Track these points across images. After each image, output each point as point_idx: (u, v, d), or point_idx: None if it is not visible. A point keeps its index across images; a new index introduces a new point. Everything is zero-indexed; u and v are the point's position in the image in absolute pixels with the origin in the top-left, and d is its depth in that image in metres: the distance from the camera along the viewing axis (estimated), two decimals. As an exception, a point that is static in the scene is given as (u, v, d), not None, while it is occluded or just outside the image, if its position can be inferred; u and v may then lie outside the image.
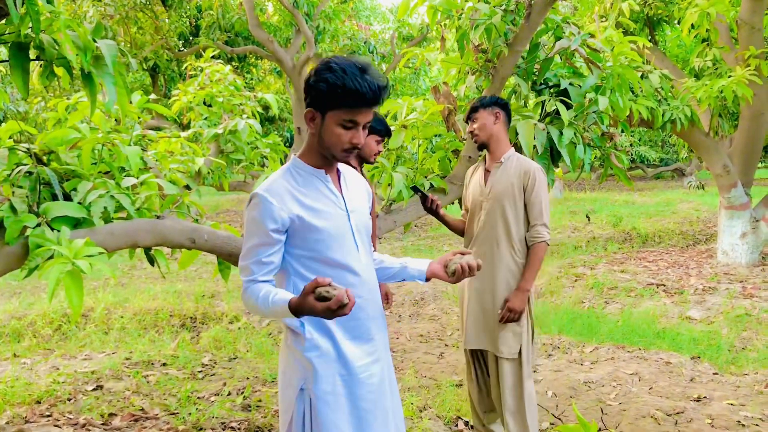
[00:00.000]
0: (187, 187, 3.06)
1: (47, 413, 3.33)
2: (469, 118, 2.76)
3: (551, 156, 3.42)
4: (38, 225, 2.08)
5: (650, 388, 3.63)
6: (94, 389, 3.72)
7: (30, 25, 1.80)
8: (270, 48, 9.00)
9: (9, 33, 1.90)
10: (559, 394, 3.56)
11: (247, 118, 4.32)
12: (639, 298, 5.93)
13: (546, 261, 7.29)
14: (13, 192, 2.14)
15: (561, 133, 3.31)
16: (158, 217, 2.50)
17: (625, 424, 3.14)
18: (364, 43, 12.65)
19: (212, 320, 5.46)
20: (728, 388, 3.62)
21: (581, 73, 3.76)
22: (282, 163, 3.34)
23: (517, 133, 3.23)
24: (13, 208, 2.06)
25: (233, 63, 11.55)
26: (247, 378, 3.96)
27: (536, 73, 3.61)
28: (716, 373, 3.91)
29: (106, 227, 2.26)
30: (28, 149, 2.30)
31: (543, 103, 3.51)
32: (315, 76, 1.54)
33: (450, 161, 3.66)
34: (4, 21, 1.89)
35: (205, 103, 4.48)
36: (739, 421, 3.12)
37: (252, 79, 13.38)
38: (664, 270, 7.06)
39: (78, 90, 8.52)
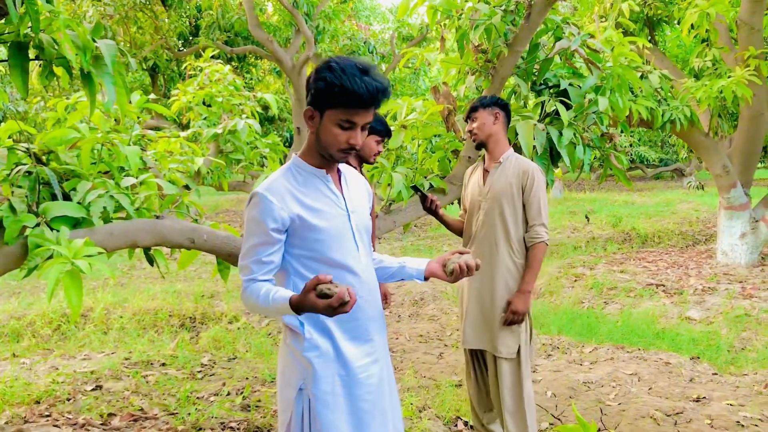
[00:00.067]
0: (187, 187, 3.06)
1: (46, 413, 3.33)
2: (469, 117, 2.77)
3: (551, 156, 3.42)
4: (37, 225, 2.08)
5: (649, 389, 3.63)
6: (93, 389, 3.72)
7: (29, 24, 1.80)
8: (269, 48, 8.99)
9: (8, 32, 1.90)
10: (559, 395, 3.56)
11: (247, 118, 4.32)
12: (638, 299, 5.93)
13: (545, 261, 7.29)
14: (13, 192, 2.14)
15: (560, 134, 3.31)
16: (157, 217, 2.50)
17: (625, 425, 3.14)
18: (364, 43, 12.64)
19: (211, 320, 5.46)
20: (727, 389, 3.62)
21: (581, 74, 3.76)
22: (281, 163, 3.34)
23: (516, 134, 3.23)
24: (12, 208, 2.06)
25: (233, 63, 11.55)
26: (247, 378, 3.96)
27: (536, 74, 3.61)
28: (715, 374, 3.92)
29: (105, 227, 2.25)
30: (27, 149, 2.30)
31: (543, 103, 3.51)
32: (315, 75, 1.55)
33: (449, 161, 3.66)
34: (3, 20, 1.89)
35: (204, 103, 4.47)
36: (738, 422, 3.12)
37: (251, 79, 13.37)
38: (663, 270, 7.06)
39: (77, 90, 8.52)
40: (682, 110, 6.56)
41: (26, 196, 2.14)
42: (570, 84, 3.56)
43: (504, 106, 2.73)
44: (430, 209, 2.78)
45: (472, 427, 3.13)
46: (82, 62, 1.96)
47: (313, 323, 1.64)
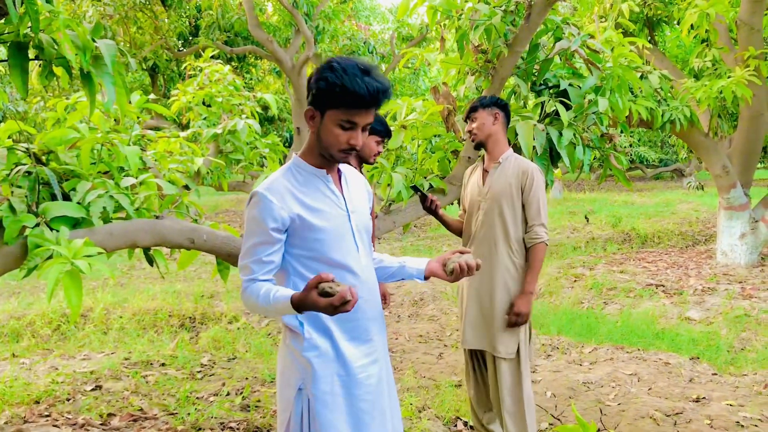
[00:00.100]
0: (186, 187, 3.06)
1: (46, 413, 3.33)
2: (468, 117, 2.77)
3: (551, 157, 3.42)
4: (37, 225, 2.08)
5: (649, 389, 3.63)
6: (92, 389, 3.72)
7: (29, 24, 1.80)
8: (269, 48, 8.99)
9: (8, 32, 1.90)
10: (558, 395, 3.56)
11: (246, 118, 4.31)
12: (638, 299, 5.94)
13: (545, 261, 7.28)
14: (12, 192, 2.14)
15: (560, 134, 3.31)
16: (157, 217, 2.50)
17: (624, 425, 3.14)
18: (364, 43, 12.64)
19: (211, 320, 5.46)
20: (727, 389, 3.62)
21: (581, 74, 3.76)
22: (281, 164, 3.33)
23: (516, 134, 3.23)
24: (12, 208, 2.06)
25: (232, 63, 11.54)
26: (246, 378, 3.96)
27: (536, 74, 3.61)
28: (715, 374, 3.92)
29: (105, 227, 2.25)
30: (27, 149, 2.30)
31: (542, 103, 3.51)
32: (316, 75, 1.55)
33: (449, 162, 3.66)
34: (3, 20, 1.89)
35: (204, 103, 4.47)
36: (737, 422, 3.12)
37: (251, 79, 13.37)
38: (663, 270, 7.07)
39: (77, 90, 8.51)
40: (681, 110, 6.56)
41: (26, 196, 2.14)
42: (570, 84, 3.56)
43: (503, 107, 2.73)
44: (430, 209, 2.78)
45: (471, 427, 3.13)
46: (81, 62, 1.96)
47: (313, 323, 1.64)
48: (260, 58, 12.22)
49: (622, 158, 3.73)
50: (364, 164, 2.84)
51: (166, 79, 12.33)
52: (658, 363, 4.09)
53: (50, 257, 1.96)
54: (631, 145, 19.37)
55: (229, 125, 4.09)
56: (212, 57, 6.08)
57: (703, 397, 3.47)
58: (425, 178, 3.48)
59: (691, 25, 6.45)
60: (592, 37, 3.71)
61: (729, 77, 6.19)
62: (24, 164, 2.23)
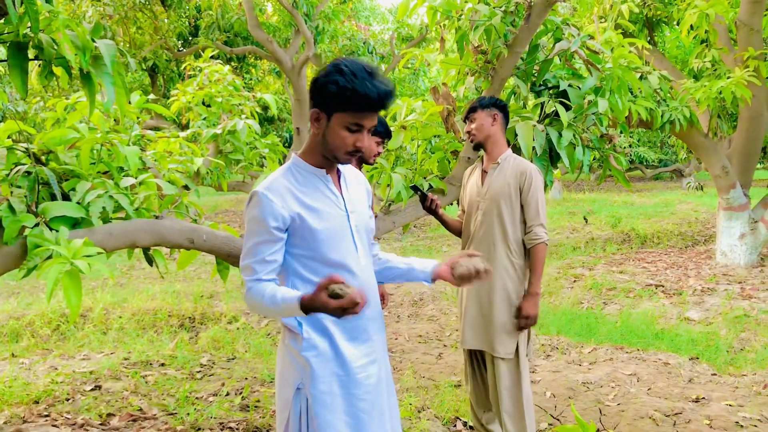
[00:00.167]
0: (186, 188, 3.05)
1: (45, 413, 3.33)
2: (467, 118, 2.77)
3: (550, 157, 3.42)
4: (37, 225, 2.07)
5: (649, 389, 3.63)
6: (92, 389, 3.72)
7: (29, 24, 1.80)
8: (269, 48, 8.99)
9: (8, 32, 1.90)
10: (558, 395, 3.56)
11: (246, 118, 4.31)
12: (638, 299, 5.94)
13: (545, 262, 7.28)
14: (12, 192, 2.14)
15: (560, 135, 3.31)
16: (157, 218, 2.50)
17: (624, 425, 3.14)
18: (364, 43, 12.63)
19: (211, 320, 5.46)
20: (727, 389, 3.62)
21: (580, 75, 3.76)
22: (281, 164, 3.33)
23: (516, 135, 3.23)
24: (11, 208, 2.05)
25: (232, 63, 11.54)
26: (246, 378, 3.96)
27: (535, 75, 3.61)
28: (715, 374, 3.92)
29: (104, 227, 2.25)
30: (26, 149, 2.30)
31: (542, 104, 3.51)
32: (325, 78, 1.53)
33: (449, 162, 3.66)
34: (2, 20, 1.89)
35: (203, 104, 4.47)
36: (737, 422, 3.12)
37: (251, 79, 13.37)
38: (662, 271, 7.07)
39: (77, 90, 8.51)
40: (681, 111, 6.57)
41: (25, 196, 2.14)
42: (569, 85, 3.56)
43: (502, 107, 2.74)
44: (430, 209, 2.78)
45: (471, 427, 3.13)
46: (81, 62, 1.96)
47: (312, 323, 1.64)
48: (260, 59, 12.21)
49: (622, 159, 3.73)
50: (364, 164, 2.84)
51: (166, 79, 12.33)
52: (658, 363, 4.09)
53: (50, 257, 1.96)
54: (630, 146, 19.37)
55: (229, 125, 4.09)
56: (212, 57, 6.07)
57: (703, 398, 3.47)
58: (425, 178, 3.48)
59: (691, 26, 6.46)
60: (591, 37, 3.71)
61: (728, 78, 6.20)
62: (23, 164, 2.23)
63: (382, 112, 1.63)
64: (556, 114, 3.39)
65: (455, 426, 3.23)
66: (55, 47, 1.92)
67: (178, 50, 11.49)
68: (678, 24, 7.81)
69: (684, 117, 6.56)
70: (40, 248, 1.97)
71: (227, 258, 2.69)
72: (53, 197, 2.21)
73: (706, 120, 7.31)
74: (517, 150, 3.14)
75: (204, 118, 4.45)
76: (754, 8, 6.33)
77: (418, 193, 2.75)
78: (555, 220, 11.67)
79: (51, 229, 2.08)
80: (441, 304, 6.04)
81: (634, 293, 6.11)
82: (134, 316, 5.37)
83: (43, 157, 2.35)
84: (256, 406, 3.44)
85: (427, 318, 5.64)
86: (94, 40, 2.03)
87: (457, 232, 2.94)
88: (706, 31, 6.63)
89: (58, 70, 2.05)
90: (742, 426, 3.09)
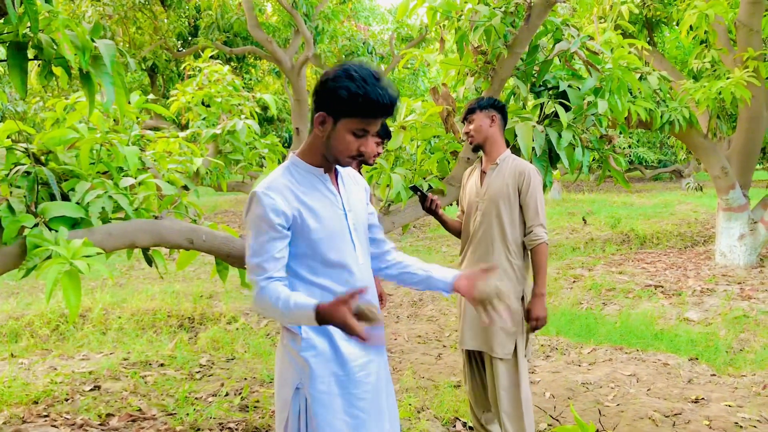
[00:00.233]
0: (185, 188, 3.05)
1: (44, 413, 3.33)
2: (465, 119, 2.77)
3: (550, 158, 3.42)
4: (36, 225, 2.07)
5: (648, 390, 3.63)
6: (91, 389, 3.72)
7: (28, 24, 1.80)
8: (269, 48, 8.98)
9: (7, 32, 1.90)
10: (557, 396, 3.57)
11: (246, 118, 4.31)
12: (637, 300, 5.94)
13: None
14: (11, 192, 2.14)
15: (559, 136, 3.31)
16: (156, 218, 2.50)
17: (623, 426, 3.14)
18: (363, 43, 12.63)
19: (210, 321, 5.46)
20: (726, 390, 3.62)
21: (580, 76, 3.76)
22: (280, 164, 3.33)
23: (515, 135, 3.23)
24: (10, 208, 2.05)
25: (232, 63, 11.54)
26: (245, 378, 3.96)
27: (535, 75, 3.61)
28: (714, 375, 3.92)
29: (104, 227, 2.25)
30: (26, 149, 2.30)
31: (542, 105, 3.51)
32: (334, 83, 1.51)
33: (448, 162, 3.66)
34: (2, 20, 1.89)
35: (203, 104, 4.47)
36: (736, 423, 3.12)
37: (251, 79, 13.37)
38: (662, 271, 7.07)
39: (76, 90, 8.51)
40: (680, 111, 6.57)
41: (25, 196, 2.14)
42: (569, 86, 3.56)
43: (501, 108, 2.74)
44: (430, 209, 2.78)
45: (470, 427, 3.13)
46: (81, 62, 1.96)
47: (311, 323, 1.64)
48: (259, 59, 12.21)
49: (621, 159, 3.73)
50: (363, 165, 2.84)
51: (166, 79, 12.33)
52: (657, 364, 4.09)
53: (49, 257, 1.96)
54: (630, 146, 19.37)
55: (228, 125, 4.09)
56: (211, 57, 6.07)
57: (702, 398, 3.48)
58: (424, 178, 3.48)
59: (690, 27, 6.46)
60: (591, 38, 3.71)
61: (728, 78, 6.20)
62: (23, 164, 2.23)
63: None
64: (556, 115, 3.39)
65: (454, 426, 3.23)
66: (55, 47, 1.92)
67: (178, 50, 11.49)
68: (677, 24, 7.82)
69: (683, 118, 6.56)
70: (40, 248, 1.97)
71: (227, 258, 2.69)
72: (52, 197, 2.20)
73: (706, 121, 7.31)
74: (516, 151, 3.14)
75: (203, 119, 4.45)
76: (753, 9, 6.33)
77: (418, 193, 2.75)
78: (554, 221, 11.67)
79: (50, 230, 2.08)
80: (440, 305, 6.04)
81: (634, 294, 6.11)
82: (133, 317, 5.37)
83: (42, 157, 2.35)
84: (255, 407, 3.44)
85: (426, 318, 5.64)
86: (93, 40, 2.02)
87: (457, 232, 2.94)
88: (705, 32, 6.64)
89: (57, 70, 2.04)
90: (741, 426, 3.10)
